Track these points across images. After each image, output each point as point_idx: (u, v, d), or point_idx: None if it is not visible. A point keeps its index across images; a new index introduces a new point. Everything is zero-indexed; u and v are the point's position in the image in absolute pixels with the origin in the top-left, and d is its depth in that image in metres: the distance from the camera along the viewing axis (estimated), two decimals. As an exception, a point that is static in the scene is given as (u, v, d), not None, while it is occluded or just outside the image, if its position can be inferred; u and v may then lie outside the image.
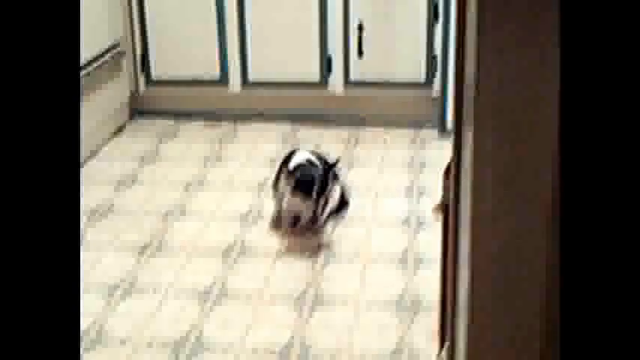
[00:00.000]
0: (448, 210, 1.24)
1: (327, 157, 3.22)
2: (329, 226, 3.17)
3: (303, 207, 3.07)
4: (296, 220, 3.14)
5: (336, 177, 3.24)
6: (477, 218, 0.87)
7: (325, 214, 3.18)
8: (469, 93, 0.85)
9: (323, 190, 3.05)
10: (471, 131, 0.84)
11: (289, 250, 3.03)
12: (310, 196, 3.02)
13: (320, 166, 3.09)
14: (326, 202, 3.15)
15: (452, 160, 1.08)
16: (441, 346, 1.68)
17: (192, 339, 2.51)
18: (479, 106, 0.82)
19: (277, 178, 3.20)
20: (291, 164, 3.11)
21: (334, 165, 3.13)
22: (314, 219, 3.10)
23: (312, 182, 3.02)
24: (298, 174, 3.05)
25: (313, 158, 3.13)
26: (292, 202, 3.08)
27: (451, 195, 1.13)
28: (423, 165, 3.71)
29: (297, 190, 3.05)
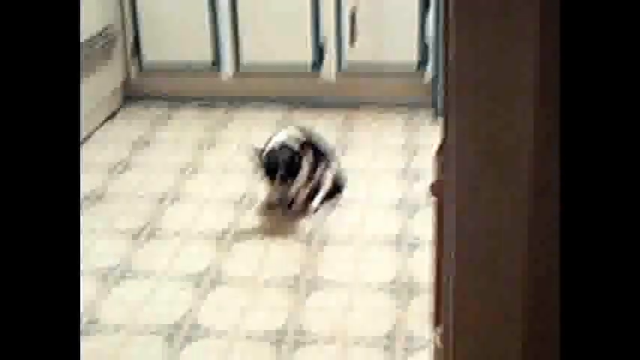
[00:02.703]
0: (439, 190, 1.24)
1: (311, 137, 3.21)
2: (322, 211, 3.17)
3: (272, 190, 3.07)
4: (290, 203, 3.15)
5: (326, 160, 3.23)
6: (458, 195, 0.87)
7: (318, 200, 3.17)
8: (451, 70, 0.85)
9: (291, 173, 3.03)
10: (453, 108, 0.84)
11: (283, 234, 3.03)
12: (274, 180, 3.02)
13: (293, 149, 3.06)
14: (314, 187, 3.15)
15: (441, 139, 1.08)
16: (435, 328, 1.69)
17: (187, 324, 2.51)
18: (458, 82, 0.82)
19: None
20: (266, 148, 3.10)
21: (301, 151, 3.08)
22: (284, 201, 3.08)
23: (275, 165, 3.02)
24: (265, 158, 3.05)
25: (289, 140, 3.11)
26: (267, 187, 3.09)
27: (440, 174, 1.13)
28: (416, 149, 3.70)
29: (263, 174, 3.07)
